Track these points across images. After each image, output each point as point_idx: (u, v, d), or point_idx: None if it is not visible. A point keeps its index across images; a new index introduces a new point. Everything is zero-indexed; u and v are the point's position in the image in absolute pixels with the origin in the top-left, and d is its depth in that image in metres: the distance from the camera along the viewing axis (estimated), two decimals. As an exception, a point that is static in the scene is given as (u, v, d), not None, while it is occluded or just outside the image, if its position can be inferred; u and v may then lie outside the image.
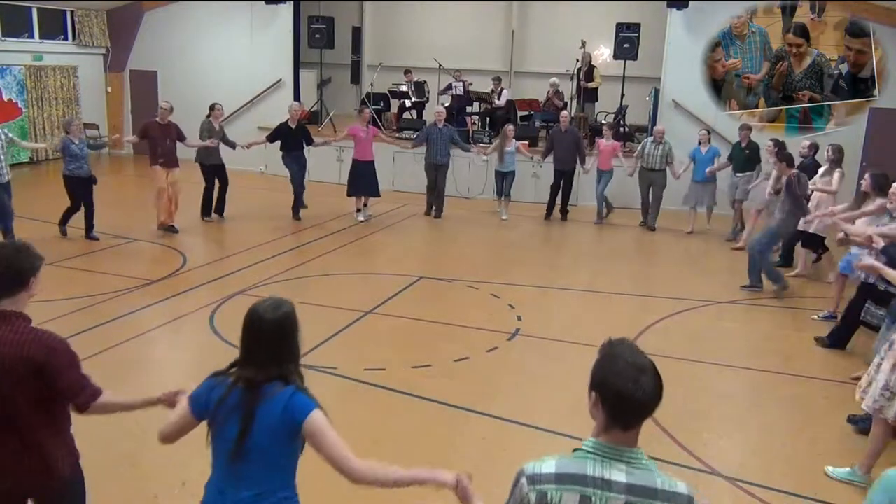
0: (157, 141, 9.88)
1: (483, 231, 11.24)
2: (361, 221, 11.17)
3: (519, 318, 7.13)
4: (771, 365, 6.31)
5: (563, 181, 11.92)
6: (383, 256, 9.58)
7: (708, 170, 11.07)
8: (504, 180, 11.88)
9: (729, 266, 9.73)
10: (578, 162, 11.81)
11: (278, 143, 11.17)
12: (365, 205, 11.42)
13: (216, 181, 10.91)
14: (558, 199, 12.05)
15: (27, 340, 2.59)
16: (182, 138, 10.15)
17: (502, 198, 11.99)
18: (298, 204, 11.27)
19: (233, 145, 10.93)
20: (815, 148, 9.88)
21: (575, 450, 1.95)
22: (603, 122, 13.79)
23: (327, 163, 13.81)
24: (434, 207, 11.90)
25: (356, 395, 5.43)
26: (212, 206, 10.96)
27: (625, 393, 1.87)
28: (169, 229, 10.01)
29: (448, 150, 11.82)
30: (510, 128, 12.02)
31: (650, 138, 11.70)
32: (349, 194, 11.35)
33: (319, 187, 13.10)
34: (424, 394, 5.43)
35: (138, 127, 10.68)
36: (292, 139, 11.11)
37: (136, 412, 2.89)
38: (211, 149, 10.61)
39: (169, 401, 2.71)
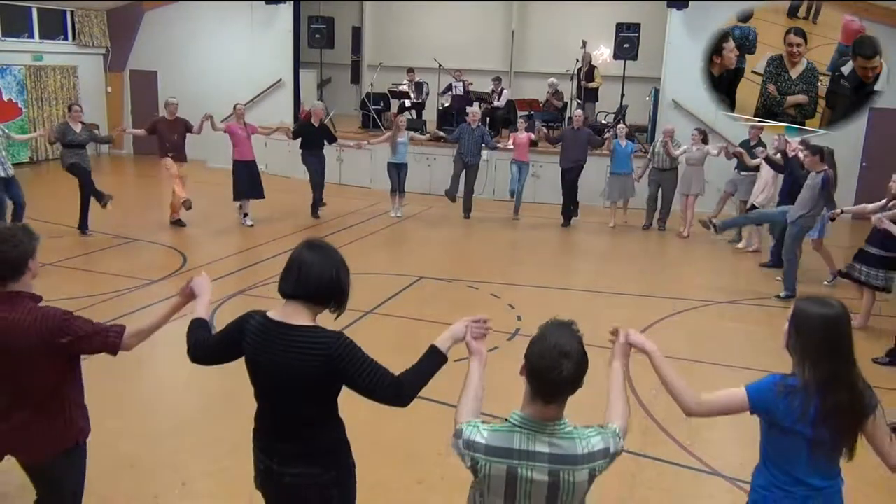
0: (165, 136, 10.19)
1: (483, 231, 11.23)
2: (250, 226, 10.55)
3: (519, 318, 7.12)
4: (771, 365, 6.24)
5: (570, 179, 11.75)
6: (383, 256, 9.58)
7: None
8: (399, 173, 11.66)
9: (729, 266, 9.73)
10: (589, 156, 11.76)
11: (278, 142, 11.47)
12: (245, 212, 10.79)
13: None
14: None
15: (36, 319, 2.69)
16: (190, 129, 10.42)
17: (396, 194, 11.71)
18: (317, 202, 11.42)
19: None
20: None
21: (507, 419, 2.13)
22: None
23: (327, 163, 13.77)
24: (462, 208, 11.87)
25: (356, 395, 5.41)
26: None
27: (544, 373, 2.05)
28: (177, 223, 10.32)
29: (479, 149, 11.81)
30: (401, 118, 12.05)
31: (661, 139, 11.57)
32: (236, 199, 10.74)
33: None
34: (424, 394, 5.36)
35: (148, 123, 10.65)
36: (315, 137, 11.32)
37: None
38: None
39: (185, 295, 2.90)
